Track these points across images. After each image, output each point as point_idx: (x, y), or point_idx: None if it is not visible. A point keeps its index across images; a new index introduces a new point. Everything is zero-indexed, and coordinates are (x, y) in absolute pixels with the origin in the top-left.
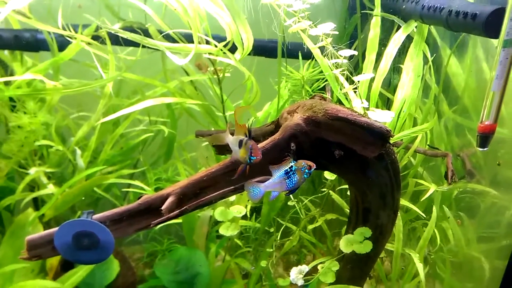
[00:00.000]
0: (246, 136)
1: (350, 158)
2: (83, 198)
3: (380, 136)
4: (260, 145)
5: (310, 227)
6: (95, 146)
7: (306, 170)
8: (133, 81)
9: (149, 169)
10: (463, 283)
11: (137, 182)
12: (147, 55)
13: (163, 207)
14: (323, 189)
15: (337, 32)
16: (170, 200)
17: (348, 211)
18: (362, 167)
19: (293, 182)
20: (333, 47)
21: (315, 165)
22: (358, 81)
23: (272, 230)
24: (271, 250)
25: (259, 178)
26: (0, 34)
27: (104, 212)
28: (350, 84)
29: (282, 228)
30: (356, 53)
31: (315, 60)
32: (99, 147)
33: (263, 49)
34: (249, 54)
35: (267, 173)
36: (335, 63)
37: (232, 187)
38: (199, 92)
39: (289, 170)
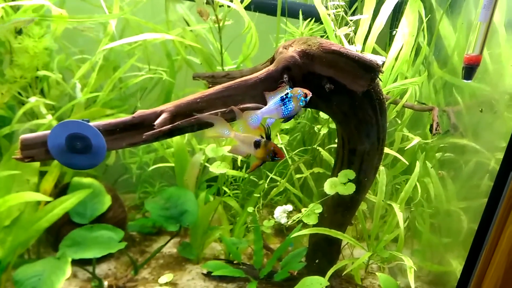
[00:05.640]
0: (264, 138)
1: (339, 94)
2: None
3: (370, 69)
4: (255, 75)
5: (297, 176)
6: (95, 87)
7: (302, 98)
8: (135, 29)
9: None
10: (440, 238)
11: None
12: (151, 1)
13: (156, 122)
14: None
15: None
16: (163, 116)
17: None
18: (350, 105)
19: (289, 109)
20: None
21: (310, 93)
22: (353, 22)
23: (261, 182)
24: (258, 195)
25: (252, 105)
26: None
27: (98, 121)
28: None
29: (269, 178)
30: None
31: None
32: (98, 90)
33: (265, 6)
34: (249, 9)
35: (260, 103)
36: (332, 5)
37: (225, 109)
38: (199, 41)
39: (284, 97)
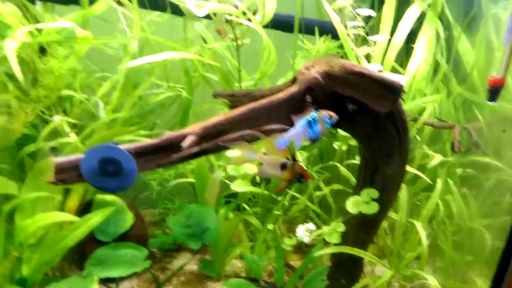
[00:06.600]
0: (289, 160)
1: (362, 114)
2: None
3: (392, 90)
4: (278, 96)
5: (317, 193)
6: (116, 104)
7: (328, 120)
8: (154, 46)
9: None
10: (463, 256)
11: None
12: (170, 20)
13: (183, 144)
14: (331, 163)
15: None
16: (190, 138)
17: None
18: (373, 125)
19: (316, 132)
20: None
21: (337, 116)
22: (374, 42)
23: (280, 198)
24: (278, 213)
25: (277, 126)
26: None
27: (128, 144)
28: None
29: (288, 195)
30: (374, 13)
31: (332, 37)
32: (118, 108)
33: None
34: (266, 26)
35: (283, 123)
36: (353, 25)
37: (251, 131)
38: (217, 58)
39: (311, 119)
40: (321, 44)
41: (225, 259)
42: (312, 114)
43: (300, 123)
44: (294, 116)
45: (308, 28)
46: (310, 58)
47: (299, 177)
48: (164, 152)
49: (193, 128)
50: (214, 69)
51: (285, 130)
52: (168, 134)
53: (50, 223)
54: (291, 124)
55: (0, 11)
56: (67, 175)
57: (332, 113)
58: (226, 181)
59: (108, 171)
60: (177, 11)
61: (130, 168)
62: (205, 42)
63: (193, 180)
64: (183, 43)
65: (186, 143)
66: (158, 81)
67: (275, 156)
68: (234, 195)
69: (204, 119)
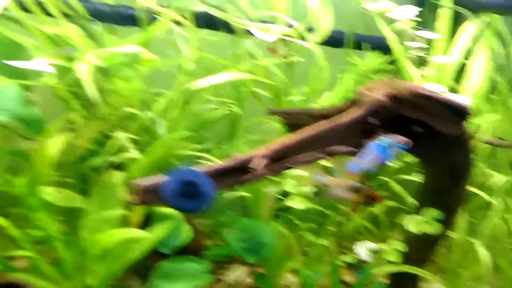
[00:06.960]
0: (361, 183)
1: (428, 137)
2: None
3: (459, 113)
4: (342, 117)
5: (370, 208)
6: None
7: (400, 145)
8: (207, 63)
9: (216, 146)
10: None
11: (210, 156)
12: (220, 38)
13: (254, 166)
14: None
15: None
16: (261, 160)
17: (408, 199)
18: (438, 146)
19: (388, 157)
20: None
21: (408, 140)
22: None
23: (330, 213)
24: (333, 229)
25: (346, 148)
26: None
27: (204, 166)
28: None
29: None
30: (439, 36)
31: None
32: (172, 124)
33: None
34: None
35: (347, 145)
36: (416, 46)
37: (322, 153)
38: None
39: (384, 144)
40: (371, 60)
41: (279, 273)
42: (385, 139)
43: (373, 147)
44: (365, 139)
45: (356, 43)
46: (357, 73)
47: (369, 200)
48: (235, 173)
49: (262, 150)
50: (265, 85)
51: (353, 153)
52: (239, 156)
53: (121, 239)
54: (354, 145)
55: (68, 33)
56: (149, 196)
57: (405, 138)
58: (280, 197)
59: (187, 193)
60: (227, 28)
61: (207, 190)
62: (254, 58)
63: (243, 194)
64: (232, 59)
65: (256, 164)
66: (208, 94)
67: (344, 179)
68: (284, 209)
69: (252, 133)
